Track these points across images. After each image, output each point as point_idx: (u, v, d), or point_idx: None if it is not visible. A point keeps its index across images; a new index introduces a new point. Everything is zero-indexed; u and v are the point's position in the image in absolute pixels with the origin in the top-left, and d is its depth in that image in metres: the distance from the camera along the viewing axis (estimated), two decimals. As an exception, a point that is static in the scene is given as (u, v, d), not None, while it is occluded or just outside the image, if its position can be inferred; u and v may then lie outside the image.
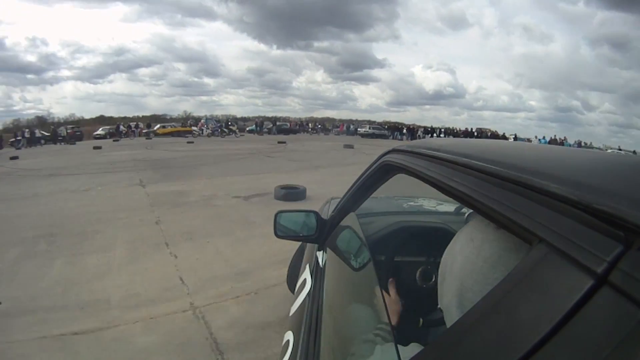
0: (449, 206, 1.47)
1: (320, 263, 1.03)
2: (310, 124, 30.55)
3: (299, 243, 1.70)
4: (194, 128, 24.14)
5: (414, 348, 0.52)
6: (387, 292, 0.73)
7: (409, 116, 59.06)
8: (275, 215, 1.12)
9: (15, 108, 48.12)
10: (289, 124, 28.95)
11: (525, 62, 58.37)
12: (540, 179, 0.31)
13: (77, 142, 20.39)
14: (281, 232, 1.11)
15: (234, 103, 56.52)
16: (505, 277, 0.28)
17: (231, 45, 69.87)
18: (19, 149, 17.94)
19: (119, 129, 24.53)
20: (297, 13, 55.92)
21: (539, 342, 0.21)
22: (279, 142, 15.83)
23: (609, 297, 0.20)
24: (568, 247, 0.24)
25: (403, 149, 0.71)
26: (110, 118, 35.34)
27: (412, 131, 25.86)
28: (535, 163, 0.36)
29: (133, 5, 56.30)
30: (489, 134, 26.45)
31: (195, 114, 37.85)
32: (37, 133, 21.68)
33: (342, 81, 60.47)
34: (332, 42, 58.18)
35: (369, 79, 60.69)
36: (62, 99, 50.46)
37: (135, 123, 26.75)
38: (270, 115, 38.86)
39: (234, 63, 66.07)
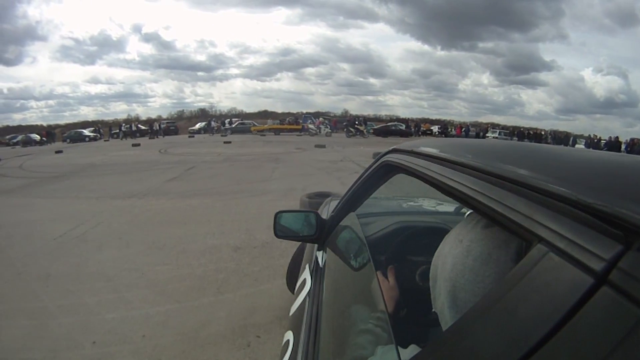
0: (449, 206, 1.46)
1: (320, 263, 1.02)
2: (423, 126, 26.59)
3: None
4: (310, 126, 22.67)
5: (414, 349, 0.51)
6: (386, 278, 0.74)
7: (578, 126, 53.07)
8: (275, 215, 1.12)
9: (187, 100, 57.41)
10: (404, 125, 24.91)
11: None
12: (541, 178, 0.31)
13: (166, 136, 22.43)
14: (281, 232, 1.10)
15: (399, 104, 55.39)
16: (504, 277, 0.28)
17: (395, 46, 69.73)
18: (110, 139, 22.03)
19: (211, 124, 25.27)
20: (459, 13, 53.91)
21: (539, 341, 0.21)
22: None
23: (608, 296, 0.20)
24: (568, 246, 0.24)
25: (403, 148, 0.71)
26: (273, 113, 36.46)
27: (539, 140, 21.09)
28: (536, 163, 0.36)
29: (295, 9, 60.92)
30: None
31: (360, 112, 38.68)
32: (133, 127, 25.08)
33: (508, 85, 56.78)
34: (497, 43, 54.94)
35: (537, 83, 55.12)
36: (231, 94, 56.35)
37: (229, 119, 27.58)
38: (434, 117, 38.37)
39: (399, 64, 65.20)
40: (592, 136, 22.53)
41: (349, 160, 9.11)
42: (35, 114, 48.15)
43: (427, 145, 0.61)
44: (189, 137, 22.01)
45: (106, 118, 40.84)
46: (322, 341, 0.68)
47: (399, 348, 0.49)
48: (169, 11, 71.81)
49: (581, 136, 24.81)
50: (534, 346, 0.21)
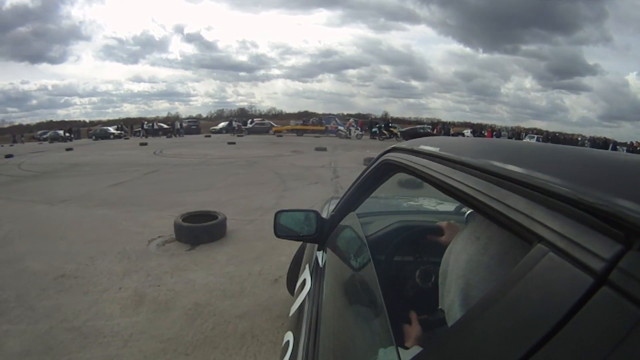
0: (449, 205, 1.46)
1: (320, 263, 1.03)
2: (452, 129, 25.17)
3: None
4: (340, 128, 21.00)
5: (415, 349, 0.51)
6: (408, 321, 0.71)
7: (622, 133, 49.79)
8: (276, 215, 1.11)
9: (229, 100, 57.27)
10: (431, 127, 23.63)
11: None
12: (541, 178, 0.30)
13: (186, 135, 22.39)
14: (281, 231, 1.10)
15: (441, 107, 53.92)
16: (504, 277, 0.28)
17: (437, 49, 67.89)
18: (131, 137, 22.82)
19: (232, 124, 25.52)
20: (501, 14, 52.20)
21: (539, 341, 0.21)
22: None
23: (609, 296, 0.20)
24: (568, 246, 0.24)
25: (403, 147, 0.71)
26: (313, 114, 35.56)
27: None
28: (536, 162, 0.36)
29: (336, 11, 59.17)
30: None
31: (401, 115, 38.79)
32: (155, 125, 25.53)
33: (551, 89, 54.11)
34: (539, 46, 52.44)
35: (580, 88, 52.51)
36: (273, 95, 55.72)
37: (251, 119, 27.41)
38: (476, 122, 37.40)
39: (441, 66, 62.75)
40: (634, 143, 21.37)
41: (330, 167, 8.12)
42: (78, 110, 48.84)
43: (427, 144, 0.61)
44: (205, 136, 21.70)
45: (148, 115, 40.77)
46: (322, 342, 0.68)
47: (399, 348, 0.48)
48: (211, 12, 72.91)
49: (624, 144, 23.07)
50: (534, 346, 0.21)
